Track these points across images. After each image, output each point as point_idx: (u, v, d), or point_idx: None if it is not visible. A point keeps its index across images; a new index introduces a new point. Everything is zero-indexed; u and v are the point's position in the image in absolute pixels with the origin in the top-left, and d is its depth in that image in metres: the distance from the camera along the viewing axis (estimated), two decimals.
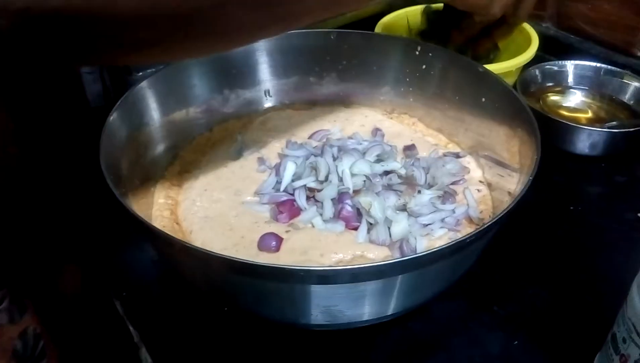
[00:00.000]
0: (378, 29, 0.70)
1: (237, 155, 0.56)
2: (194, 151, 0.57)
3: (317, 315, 0.40)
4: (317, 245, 0.46)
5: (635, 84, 0.67)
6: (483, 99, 0.54)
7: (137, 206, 0.48)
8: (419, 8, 0.75)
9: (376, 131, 0.59)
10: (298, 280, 0.36)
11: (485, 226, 0.37)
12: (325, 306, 0.39)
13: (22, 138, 0.51)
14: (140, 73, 0.60)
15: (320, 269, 0.37)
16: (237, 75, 0.59)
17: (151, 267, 0.51)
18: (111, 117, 0.46)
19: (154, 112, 0.53)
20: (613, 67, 0.69)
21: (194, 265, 0.41)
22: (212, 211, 0.50)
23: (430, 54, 0.58)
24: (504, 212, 0.38)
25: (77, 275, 0.51)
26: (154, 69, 0.55)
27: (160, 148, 0.54)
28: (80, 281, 0.51)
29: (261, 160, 0.55)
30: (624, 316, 0.35)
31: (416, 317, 0.46)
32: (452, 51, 0.58)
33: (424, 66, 0.59)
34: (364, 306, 0.40)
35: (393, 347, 0.44)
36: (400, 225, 0.47)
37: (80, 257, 0.53)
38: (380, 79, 0.61)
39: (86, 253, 0.54)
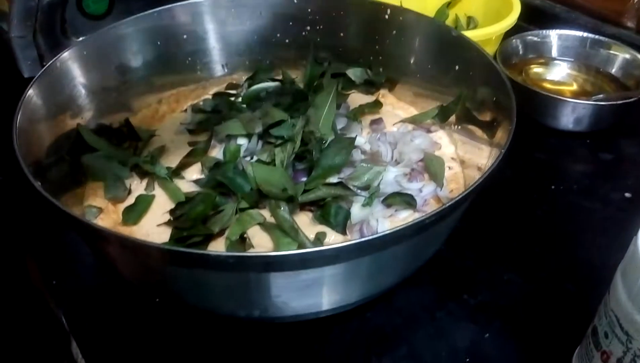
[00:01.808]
0: None
1: (186, 129, 0.51)
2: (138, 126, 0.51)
3: (257, 307, 0.35)
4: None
5: (623, 55, 0.62)
6: (457, 67, 0.49)
7: (66, 185, 0.42)
8: None
9: (340, 103, 0.54)
10: (231, 268, 0.31)
11: (449, 204, 0.32)
12: (268, 297, 0.34)
13: None
14: (81, 38, 0.54)
15: (255, 255, 0.32)
16: (188, 42, 0.53)
17: (83, 254, 0.46)
18: (30, 91, 0.41)
19: (87, 83, 0.47)
20: (600, 37, 0.64)
21: (121, 255, 0.35)
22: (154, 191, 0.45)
23: (400, 18, 0.53)
24: (471, 188, 0.33)
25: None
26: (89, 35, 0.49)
27: (99, 121, 0.48)
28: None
29: (213, 133, 0.50)
30: (607, 308, 0.31)
31: (377, 307, 0.41)
32: (424, 15, 0.52)
33: (394, 32, 0.53)
34: (315, 297, 0.35)
35: (350, 340, 0.40)
36: (360, 205, 0.42)
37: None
38: (347, 46, 0.56)
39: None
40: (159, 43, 0.52)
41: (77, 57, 0.46)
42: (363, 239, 0.31)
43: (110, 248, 0.35)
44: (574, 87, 0.63)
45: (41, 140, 0.42)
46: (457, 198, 0.32)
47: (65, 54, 0.45)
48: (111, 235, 0.32)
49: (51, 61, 0.44)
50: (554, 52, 0.66)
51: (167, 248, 0.31)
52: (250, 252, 0.38)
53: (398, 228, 0.31)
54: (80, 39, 0.54)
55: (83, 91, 0.47)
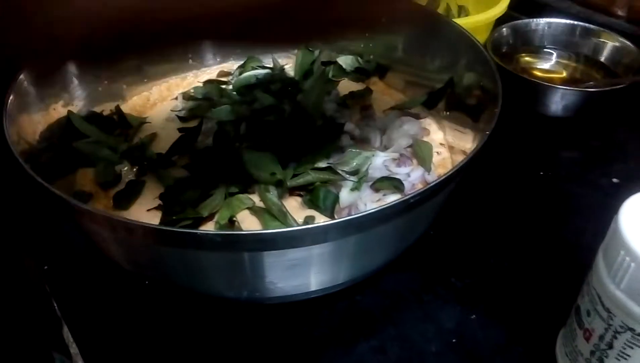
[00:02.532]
0: None
1: (177, 116, 0.51)
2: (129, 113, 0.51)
3: (247, 288, 0.35)
4: None
5: (612, 43, 0.63)
6: (446, 54, 0.49)
7: (58, 171, 0.43)
8: None
9: (331, 90, 0.54)
10: (218, 247, 0.32)
11: (432, 184, 0.33)
12: (256, 277, 0.34)
13: None
14: None
15: (242, 234, 0.32)
16: (175, 27, 0.54)
17: (74, 239, 0.46)
18: (20, 77, 0.41)
19: (77, 69, 0.47)
20: (589, 25, 0.64)
21: (113, 237, 0.36)
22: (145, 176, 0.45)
23: (390, 5, 0.53)
24: (454, 169, 0.33)
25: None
26: None
27: (91, 109, 0.48)
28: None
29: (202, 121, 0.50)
30: (589, 287, 0.31)
31: (365, 289, 0.42)
32: (415, 2, 0.53)
33: (383, 19, 0.54)
34: (302, 277, 0.36)
35: (338, 322, 0.40)
36: (348, 190, 0.42)
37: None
38: (337, 32, 0.56)
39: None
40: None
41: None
42: (350, 216, 0.31)
43: (102, 231, 0.35)
44: (564, 75, 0.63)
45: (32, 126, 0.42)
46: (441, 179, 0.33)
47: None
48: (105, 217, 0.32)
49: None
50: (544, 41, 0.66)
51: (158, 227, 0.31)
52: (238, 231, 0.38)
53: (384, 206, 0.31)
54: None
55: (74, 78, 0.47)
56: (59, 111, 0.46)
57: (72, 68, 0.47)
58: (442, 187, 0.33)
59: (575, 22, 0.65)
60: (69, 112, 0.46)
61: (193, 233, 0.30)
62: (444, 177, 0.33)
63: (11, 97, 0.40)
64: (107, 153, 0.45)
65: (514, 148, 0.56)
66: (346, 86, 0.55)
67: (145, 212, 0.42)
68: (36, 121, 0.43)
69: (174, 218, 0.40)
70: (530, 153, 0.56)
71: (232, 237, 0.31)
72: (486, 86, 0.42)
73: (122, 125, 0.49)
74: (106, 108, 0.50)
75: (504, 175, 0.52)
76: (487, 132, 0.36)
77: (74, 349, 0.44)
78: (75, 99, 0.48)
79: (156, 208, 0.42)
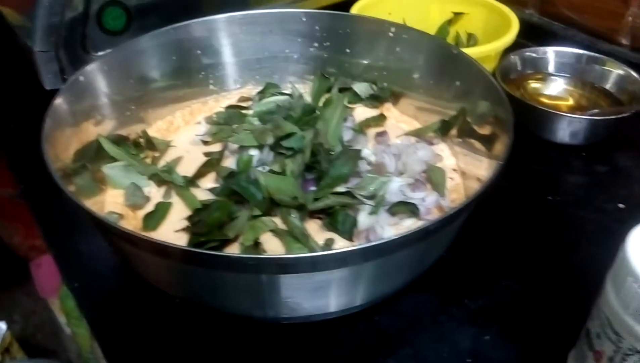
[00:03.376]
0: (354, 10, 0.67)
1: (200, 140, 0.53)
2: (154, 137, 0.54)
3: (273, 308, 0.37)
4: None
5: (617, 71, 0.65)
6: (457, 83, 0.51)
7: (88, 193, 0.45)
8: None
9: (347, 116, 0.56)
10: (251, 269, 0.34)
11: (451, 212, 0.35)
12: (282, 298, 0.36)
13: None
14: (100, 53, 0.57)
15: (272, 257, 0.34)
16: (201, 57, 0.56)
17: (105, 257, 0.48)
18: (56, 101, 0.43)
19: (106, 96, 0.49)
20: (595, 54, 0.66)
21: (140, 254, 0.38)
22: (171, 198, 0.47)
23: (404, 36, 0.55)
24: (472, 199, 0.35)
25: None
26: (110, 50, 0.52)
27: (117, 132, 0.51)
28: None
29: (226, 144, 0.52)
30: (599, 310, 0.33)
31: (383, 310, 0.43)
32: (427, 33, 0.55)
33: (398, 49, 0.56)
34: (324, 299, 0.38)
35: (357, 342, 0.42)
36: (366, 214, 0.44)
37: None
38: (352, 62, 0.59)
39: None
40: (174, 58, 0.55)
41: (100, 71, 0.49)
42: (372, 243, 0.33)
43: (136, 251, 0.37)
44: (570, 102, 0.66)
45: (66, 148, 0.44)
46: (459, 206, 0.35)
47: (89, 67, 0.48)
48: (143, 239, 0.34)
49: (77, 73, 0.46)
50: (551, 68, 0.68)
51: (193, 250, 0.33)
52: (267, 254, 0.40)
53: (405, 233, 0.33)
54: (99, 53, 0.57)
55: (103, 103, 0.50)
56: (89, 132, 0.48)
57: (101, 92, 0.49)
58: (461, 213, 0.35)
59: (582, 51, 0.67)
60: (99, 136, 0.48)
61: (235, 257, 0.32)
62: (462, 205, 0.35)
63: (48, 119, 0.42)
64: (135, 176, 0.47)
65: (522, 173, 0.58)
66: (361, 112, 0.58)
67: (172, 233, 0.44)
68: (68, 142, 0.45)
69: (202, 239, 0.42)
70: (537, 177, 0.58)
71: (266, 260, 0.33)
72: (499, 116, 0.44)
73: (149, 148, 0.52)
74: (132, 131, 0.52)
75: (513, 199, 0.54)
76: (501, 163, 0.38)
77: None
78: (104, 122, 0.50)
79: (183, 229, 0.44)
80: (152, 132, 0.54)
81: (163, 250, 0.33)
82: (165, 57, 0.54)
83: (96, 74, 0.49)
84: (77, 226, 0.51)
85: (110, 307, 0.44)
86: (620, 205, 0.54)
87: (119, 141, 0.50)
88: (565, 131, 0.60)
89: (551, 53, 0.68)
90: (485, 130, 0.47)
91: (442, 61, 0.53)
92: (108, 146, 0.48)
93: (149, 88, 0.54)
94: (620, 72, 0.65)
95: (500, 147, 0.42)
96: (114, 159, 0.48)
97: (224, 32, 0.56)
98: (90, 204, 0.45)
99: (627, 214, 0.53)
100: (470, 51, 0.58)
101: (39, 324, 1.32)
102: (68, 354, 1.18)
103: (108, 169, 0.47)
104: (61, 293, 0.99)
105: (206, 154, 0.51)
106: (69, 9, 0.53)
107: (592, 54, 0.67)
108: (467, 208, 0.36)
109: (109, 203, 0.47)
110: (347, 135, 0.52)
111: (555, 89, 0.67)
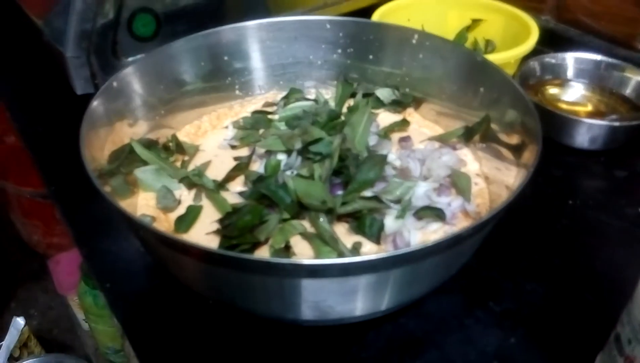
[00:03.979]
0: (375, 17, 0.68)
1: (228, 144, 0.54)
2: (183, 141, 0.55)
3: (305, 311, 0.38)
4: None
5: (636, 77, 0.66)
6: (481, 89, 0.52)
7: (121, 194, 0.46)
8: None
9: (371, 122, 0.57)
10: (286, 274, 0.35)
11: (483, 219, 0.35)
12: (314, 302, 0.37)
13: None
14: (130, 58, 0.58)
15: (308, 263, 0.35)
16: (229, 62, 0.57)
17: (137, 258, 0.49)
18: (93, 105, 0.44)
19: (139, 99, 0.51)
20: (614, 60, 0.67)
21: (176, 256, 0.39)
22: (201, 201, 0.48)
23: (427, 43, 0.56)
24: (503, 206, 0.36)
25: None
26: (143, 55, 0.53)
27: (146, 136, 0.52)
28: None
29: (253, 149, 0.53)
30: (630, 316, 0.34)
31: (409, 313, 0.44)
32: (450, 40, 0.56)
33: (420, 55, 0.57)
34: (355, 302, 0.38)
35: (384, 344, 0.43)
36: (393, 218, 0.45)
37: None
38: (376, 69, 0.59)
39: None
40: (203, 63, 0.56)
41: (132, 76, 0.50)
42: (404, 250, 0.34)
43: (170, 253, 0.38)
44: (589, 107, 0.66)
45: (101, 150, 0.45)
46: (492, 213, 0.35)
47: (122, 73, 0.49)
48: (177, 241, 0.35)
49: (111, 78, 0.48)
50: (570, 74, 0.69)
51: (228, 254, 0.34)
52: (301, 260, 0.41)
53: (438, 241, 0.34)
54: (129, 59, 0.58)
55: (135, 107, 0.51)
56: (122, 136, 0.49)
57: (133, 97, 0.51)
58: (492, 220, 0.36)
59: (600, 57, 0.68)
60: (131, 140, 0.49)
61: (270, 262, 0.33)
62: (495, 212, 0.35)
63: (85, 121, 0.43)
64: (166, 179, 0.49)
65: (543, 178, 0.58)
66: (384, 117, 0.59)
67: (203, 235, 0.45)
68: (103, 145, 0.46)
69: (234, 242, 0.43)
70: (558, 182, 0.59)
71: (298, 266, 0.34)
72: (525, 124, 0.45)
73: (179, 152, 0.53)
74: (161, 135, 0.54)
75: (535, 204, 0.55)
76: (530, 169, 0.39)
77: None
78: (135, 126, 0.51)
79: (214, 232, 0.45)
80: (181, 136, 0.55)
81: (197, 253, 0.35)
82: (195, 63, 0.55)
83: (129, 79, 0.50)
84: (108, 227, 0.52)
85: (142, 307, 0.46)
86: None
87: (150, 145, 0.51)
88: (584, 137, 0.61)
89: (570, 59, 0.69)
90: (511, 137, 0.48)
91: (465, 68, 0.54)
92: (140, 150, 0.49)
93: (178, 93, 0.55)
94: (639, 78, 0.66)
95: (528, 155, 0.43)
96: (145, 163, 0.49)
97: (252, 38, 0.57)
98: (124, 206, 0.46)
99: None
100: (492, 58, 0.59)
101: (56, 320, 1.34)
102: (85, 349, 1.20)
103: (140, 172, 0.48)
104: (79, 289, 1.01)
105: (235, 158, 0.52)
106: (100, 15, 0.54)
107: (611, 60, 0.67)
108: (498, 215, 0.37)
109: (141, 205, 0.48)
110: (372, 140, 0.53)
111: (573, 95, 0.68)
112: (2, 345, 1.06)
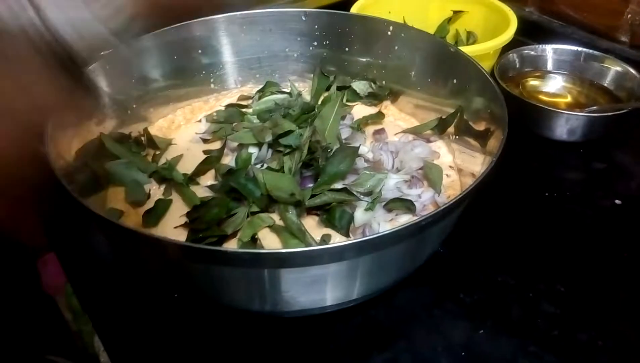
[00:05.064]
0: (354, 10, 0.68)
1: (200, 138, 0.54)
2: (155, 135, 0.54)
3: (270, 302, 0.38)
4: None
5: (615, 68, 0.65)
6: (454, 80, 0.52)
7: (89, 190, 0.46)
8: None
9: (345, 114, 0.57)
10: (245, 264, 0.34)
11: (444, 207, 0.35)
12: (278, 292, 0.37)
13: None
14: (102, 53, 0.58)
15: (267, 252, 0.35)
16: (201, 56, 0.57)
17: (106, 253, 0.49)
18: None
19: (107, 95, 0.50)
20: (593, 52, 0.67)
21: (138, 250, 0.39)
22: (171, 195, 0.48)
23: (402, 35, 0.56)
24: (464, 194, 0.36)
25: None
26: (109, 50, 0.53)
27: (119, 130, 0.52)
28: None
29: (225, 143, 0.53)
30: None
31: (379, 304, 0.44)
32: (424, 31, 0.56)
33: (396, 47, 0.57)
34: (321, 293, 0.38)
35: (353, 335, 0.43)
36: (363, 210, 0.45)
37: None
38: (352, 61, 0.59)
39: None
40: (175, 57, 0.56)
41: (102, 70, 0.49)
42: (366, 237, 0.34)
43: (139, 247, 0.38)
44: (569, 99, 0.66)
45: (68, 147, 0.45)
46: (451, 202, 0.35)
47: (91, 67, 0.48)
48: (146, 236, 0.35)
49: None
50: (550, 66, 0.69)
51: (195, 246, 0.34)
52: (264, 249, 0.41)
53: (398, 228, 0.34)
54: (102, 53, 0.57)
55: (106, 102, 0.51)
56: (91, 131, 0.49)
57: (104, 91, 0.50)
58: (452, 209, 0.36)
59: (580, 48, 0.67)
60: (102, 134, 0.49)
61: (232, 252, 0.33)
62: (454, 200, 0.35)
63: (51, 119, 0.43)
64: (136, 173, 0.48)
65: (520, 170, 0.58)
66: (360, 110, 0.58)
67: (172, 229, 0.45)
68: (71, 140, 0.46)
69: (201, 235, 0.42)
70: (535, 174, 0.58)
71: (263, 255, 0.33)
72: (494, 112, 0.45)
73: (150, 146, 0.52)
74: (134, 130, 0.53)
75: (511, 195, 0.55)
76: (494, 159, 0.38)
77: (104, 358, 0.47)
78: (106, 121, 0.51)
79: (183, 226, 0.45)
80: (154, 130, 0.54)
81: (163, 246, 0.34)
82: (166, 57, 0.55)
83: (99, 73, 0.49)
84: (78, 224, 0.52)
85: (109, 302, 0.45)
86: (617, 201, 0.54)
87: (121, 139, 0.51)
88: (562, 128, 0.60)
89: (550, 51, 0.68)
90: (480, 126, 0.48)
91: (439, 59, 0.54)
92: (110, 144, 0.48)
93: (151, 87, 0.55)
94: (619, 69, 0.65)
95: (495, 143, 0.43)
96: (116, 157, 0.49)
97: (224, 31, 0.56)
98: (92, 201, 0.46)
99: (623, 210, 0.53)
100: (468, 49, 0.59)
101: (44, 321, 1.33)
102: (73, 351, 1.20)
103: (110, 166, 0.48)
104: (67, 290, 1.00)
105: (205, 152, 0.52)
106: None
107: (590, 51, 0.67)
108: (460, 203, 0.36)
109: (111, 199, 0.48)
110: (345, 133, 0.53)
111: (553, 87, 0.68)
112: None
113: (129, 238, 0.37)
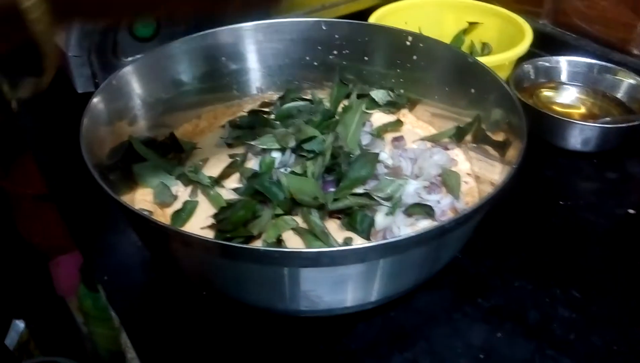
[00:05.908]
0: (372, 20, 0.70)
1: (225, 142, 0.56)
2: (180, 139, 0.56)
3: (295, 300, 0.39)
4: None
5: (628, 80, 0.67)
6: (472, 90, 0.53)
7: (120, 190, 0.47)
8: (414, 1, 0.76)
9: (365, 122, 0.58)
10: (274, 262, 0.36)
11: (465, 213, 0.36)
12: (304, 291, 0.38)
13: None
14: (130, 58, 0.59)
15: (297, 251, 0.36)
16: (227, 63, 0.59)
17: (134, 252, 0.50)
18: (93, 101, 0.46)
19: (138, 97, 0.52)
20: (607, 64, 0.68)
21: (171, 247, 0.40)
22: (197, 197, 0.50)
23: (421, 45, 0.57)
24: (485, 201, 0.37)
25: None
26: (142, 55, 0.54)
27: (145, 133, 0.53)
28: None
29: (249, 147, 0.54)
30: None
31: (399, 306, 0.45)
32: (443, 42, 0.57)
33: (414, 57, 0.58)
34: (344, 293, 0.40)
35: (374, 336, 0.44)
36: (383, 214, 0.46)
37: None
38: (371, 70, 0.61)
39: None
40: (201, 63, 0.57)
41: (132, 75, 0.51)
42: (388, 240, 0.35)
43: (173, 245, 0.39)
44: (582, 110, 0.67)
45: (100, 146, 0.46)
46: (472, 208, 0.36)
47: (121, 72, 0.50)
48: (186, 235, 0.36)
49: (110, 77, 0.49)
50: (564, 77, 0.70)
51: (232, 244, 0.36)
52: (292, 248, 0.42)
53: (421, 232, 0.35)
54: (129, 58, 0.59)
55: (134, 106, 0.52)
56: (122, 133, 0.50)
57: (133, 95, 0.52)
58: (474, 215, 0.37)
59: (594, 61, 0.69)
60: (130, 137, 0.50)
61: (261, 250, 0.34)
62: (476, 206, 0.36)
63: (86, 119, 0.44)
64: (164, 175, 0.50)
65: (535, 178, 0.59)
66: (378, 118, 0.60)
67: (199, 230, 0.46)
68: (103, 140, 0.47)
69: (228, 235, 0.44)
70: (550, 183, 0.59)
71: (294, 254, 0.35)
72: (512, 123, 0.46)
73: (176, 149, 0.54)
74: (159, 133, 0.55)
75: (526, 203, 0.56)
76: (514, 166, 0.40)
77: (131, 354, 0.48)
78: (135, 124, 0.52)
79: (209, 227, 0.46)
80: (179, 134, 0.56)
81: (194, 243, 0.36)
82: (193, 63, 0.56)
83: (128, 78, 0.51)
84: (104, 222, 0.53)
85: (138, 300, 0.47)
86: (631, 211, 0.55)
87: (148, 142, 0.52)
88: (577, 139, 0.62)
89: (564, 62, 0.70)
90: (499, 136, 0.49)
91: (458, 69, 0.55)
92: (138, 146, 0.50)
93: (176, 92, 0.56)
94: (632, 81, 0.66)
95: (514, 152, 0.44)
96: (143, 159, 0.51)
97: (249, 39, 0.58)
98: (120, 190, 0.47)
99: (637, 220, 0.54)
100: (484, 60, 0.60)
101: (56, 323, 1.35)
102: (84, 353, 1.21)
103: (138, 168, 0.49)
104: (79, 292, 1.01)
105: (230, 156, 0.53)
106: None
107: (604, 63, 0.68)
108: (481, 210, 0.38)
109: (139, 200, 0.49)
110: (365, 139, 0.54)
111: (567, 98, 0.69)
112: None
113: (170, 237, 0.39)
